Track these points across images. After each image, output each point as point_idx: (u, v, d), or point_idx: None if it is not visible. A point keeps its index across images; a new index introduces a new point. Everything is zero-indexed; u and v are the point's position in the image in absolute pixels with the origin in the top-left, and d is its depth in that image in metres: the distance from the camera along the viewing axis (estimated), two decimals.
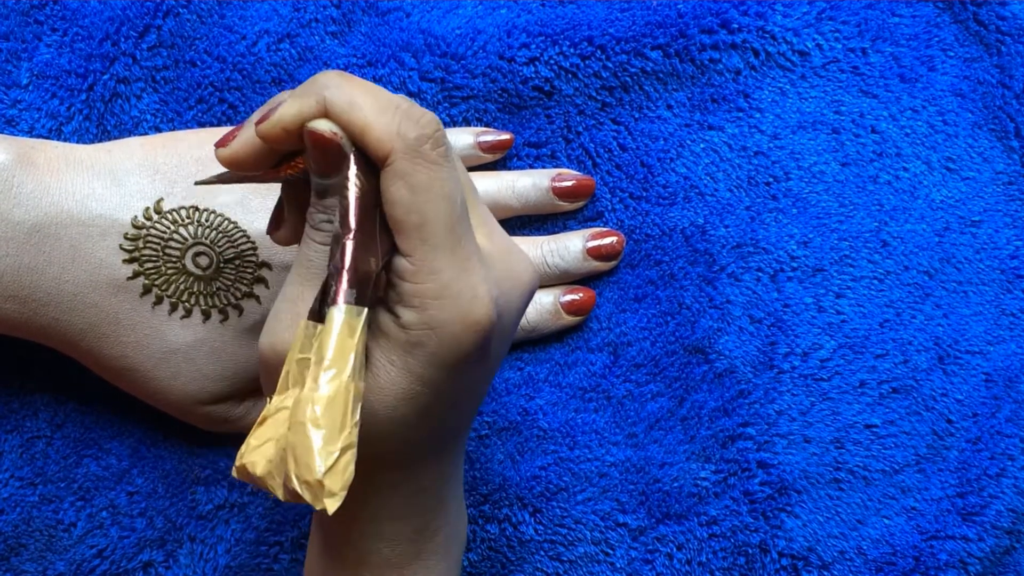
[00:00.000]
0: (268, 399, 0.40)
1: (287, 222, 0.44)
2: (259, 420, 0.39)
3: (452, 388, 0.42)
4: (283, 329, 0.41)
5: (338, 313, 0.38)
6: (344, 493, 0.36)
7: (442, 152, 0.40)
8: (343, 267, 0.38)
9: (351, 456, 0.37)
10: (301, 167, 0.42)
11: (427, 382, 0.41)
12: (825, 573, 0.55)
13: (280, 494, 0.37)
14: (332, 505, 0.36)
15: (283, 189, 0.44)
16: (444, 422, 0.43)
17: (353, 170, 0.39)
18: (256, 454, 0.38)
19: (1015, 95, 0.56)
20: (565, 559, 0.56)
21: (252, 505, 0.55)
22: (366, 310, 0.38)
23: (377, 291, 0.40)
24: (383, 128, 0.39)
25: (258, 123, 0.41)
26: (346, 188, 0.39)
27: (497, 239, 0.43)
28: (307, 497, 0.36)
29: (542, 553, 0.56)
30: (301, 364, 0.38)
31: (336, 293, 0.38)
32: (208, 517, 0.55)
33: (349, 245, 0.39)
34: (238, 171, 0.43)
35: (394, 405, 0.41)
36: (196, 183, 0.46)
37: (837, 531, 0.56)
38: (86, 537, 0.54)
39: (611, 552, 0.56)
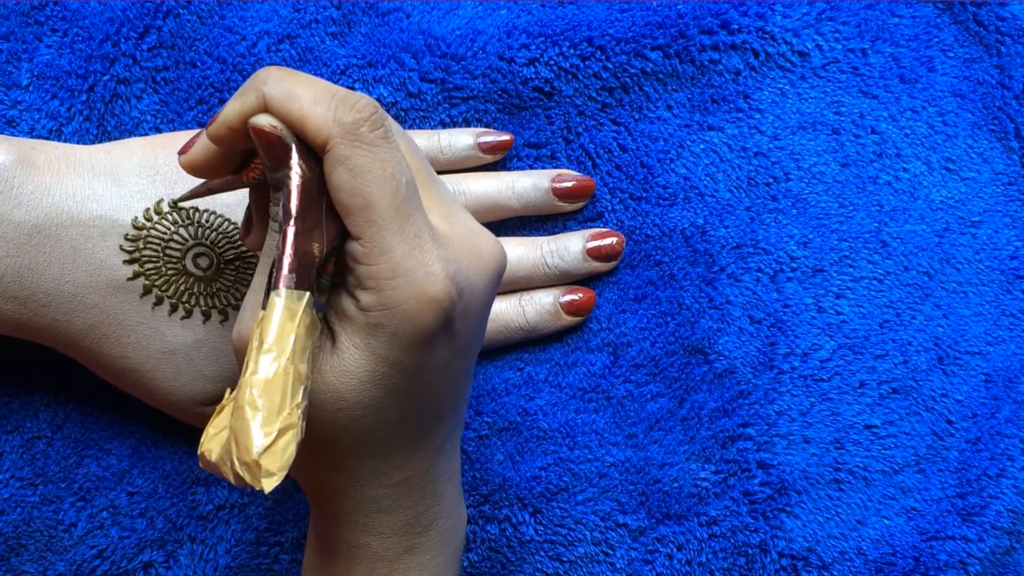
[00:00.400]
0: (228, 389, 0.40)
1: (256, 226, 0.45)
2: (217, 409, 0.40)
3: (419, 368, 0.42)
4: (248, 319, 0.42)
5: (278, 298, 0.39)
6: (283, 473, 0.37)
7: (380, 134, 0.40)
8: (283, 254, 0.39)
9: (291, 437, 0.37)
10: (260, 170, 0.43)
11: (392, 363, 0.41)
12: (825, 573, 0.55)
13: (231, 479, 0.38)
14: (269, 485, 0.37)
15: (250, 195, 0.45)
16: (418, 405, 0.43)
17: (295, 159, 0.40)
18: (213, 442, 0.39)
19: (1015, 96, 0.56)
20: (565, 559, 0.56)
21: (252, 506, 0.55)
22: (307, 295, 0.39)
23: (321, 276, 0.40)
24: (320, 116, 0.40)
25: (208, 126, 0.42)
26: (288, 178, 0.40)
27: (457, 220, 0.43)
28: (247, 478, 0.37)
29: (542, 553, 0.56)
30: (251, 352, 0.39)
31: (277, 279, 0.39)
32: (208, 517, 0.55)
33: (290, 232, 0.39)
34: (202, 177, 0.44)
35: (361, 388, 0.41)
36: (173, 201, 0.48)
37: (837, 531, 0.56)
38: (86, 537, 0.54)
39: (611, 552, 0.56)
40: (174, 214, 0.49)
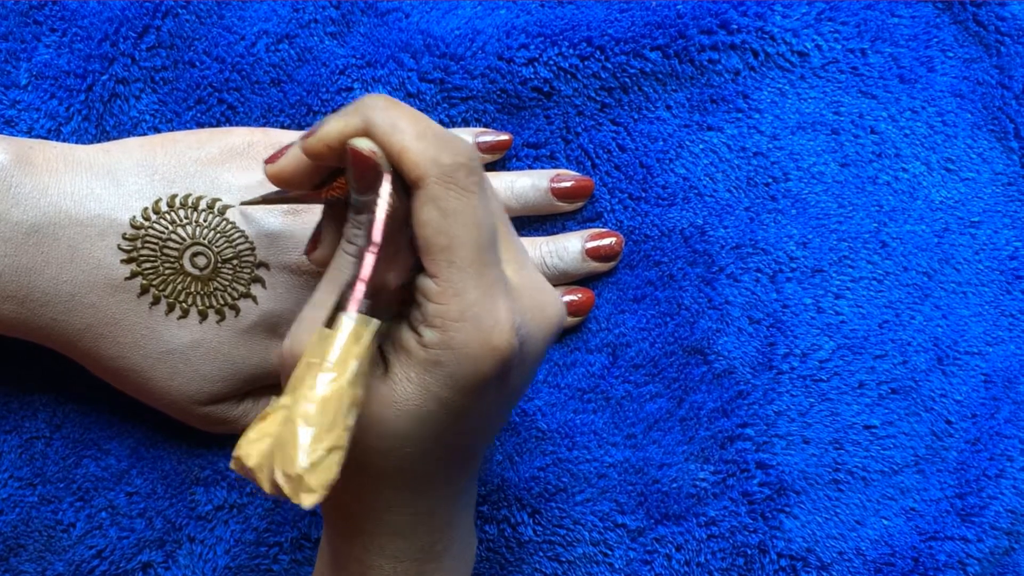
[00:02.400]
0: (274, 397, 0.40)
1: (324, 243, 0.45)
2: (261, 415, 0.40)
3: (467, 411, 0.42)
4: (303, 332, 0.42)
5: (347, 320, 0.39)
6: (324, 492, 0.37)
7: (475, 181, 0.41)
8: (359, 278, 0.40)
9: (338, 458, 0.38)
10: (342, 190, 0.44)
11: (442, 402, 0.41)
12: (824, 574, 0.55)
13: (267, 487, 0.38)
14: (308, 501, 0.37)
15: (324, 211, 0.45)
16: (456, 446, 0.44)
17: (387, 188, 0.41)
18: (252, 447, 0.39)
19: (1014, 96, 0.56)
20: (564, 560, 0.56)
21: (251, 506, 0.55)
22: (376, 322, 0.39)
23: (391, 306, 0.41)
24: (420, 152, 0.40)
25: (304, 139, 0.42)
26: (376, 205, 0.40)
27: (527, 274, 0.44)
28: (287, 490, 0.37)
29: (541, 554, 0.56)
30: (310, 367, 0.39)
31: (349, 301, 0.39)
32: (207, 518, 0.55)
33: (370, 258, 0.40)
34: (284, 187, 0.44)
35: (406, 420, 0.41)
36: (241, 203, 0.48)
37: (836, 532, 0.55)
38: (85, 538, 0.54)
39: (610, 553, 0.56)
40: (172, 213, 0.49)
